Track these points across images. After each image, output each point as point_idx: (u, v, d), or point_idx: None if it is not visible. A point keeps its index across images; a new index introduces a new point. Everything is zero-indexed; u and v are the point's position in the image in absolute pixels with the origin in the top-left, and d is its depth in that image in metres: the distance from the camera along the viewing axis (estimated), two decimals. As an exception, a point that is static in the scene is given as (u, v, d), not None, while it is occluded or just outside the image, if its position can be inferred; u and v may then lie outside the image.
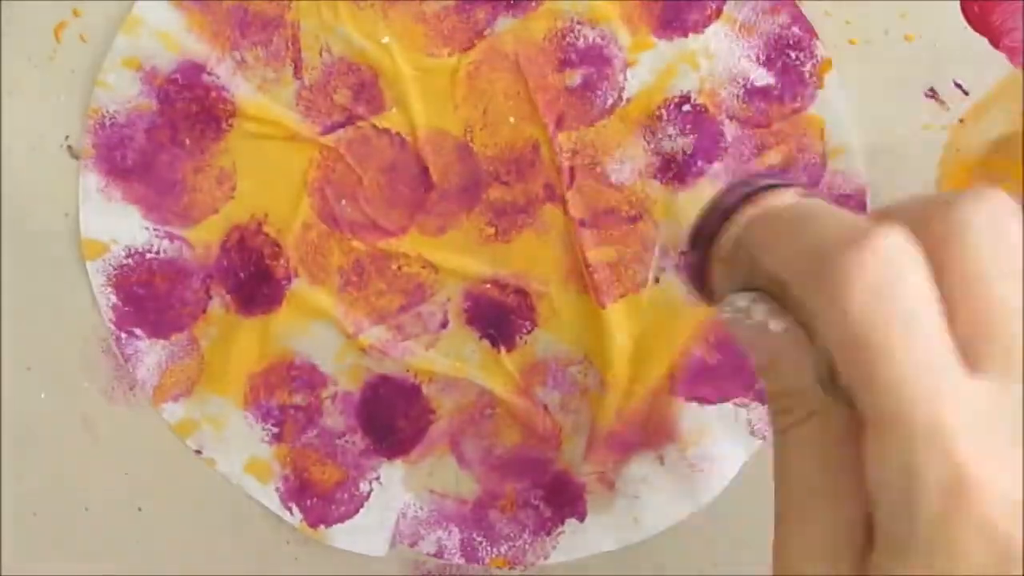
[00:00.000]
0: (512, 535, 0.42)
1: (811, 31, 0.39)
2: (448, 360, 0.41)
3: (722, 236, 0.28)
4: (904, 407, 0.19)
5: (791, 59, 0.39)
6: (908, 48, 0.39)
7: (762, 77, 0.39)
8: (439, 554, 0.42)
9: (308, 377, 0.41)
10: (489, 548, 0.42)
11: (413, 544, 0.42)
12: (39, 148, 0.40)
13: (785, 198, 0.28)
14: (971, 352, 0.20)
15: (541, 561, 0.42)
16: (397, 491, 0.42)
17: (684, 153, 0.39)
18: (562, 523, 0.41)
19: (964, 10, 0.39)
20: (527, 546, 0.42)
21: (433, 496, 0.42)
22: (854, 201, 0.39)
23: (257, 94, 0.39)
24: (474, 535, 0.42)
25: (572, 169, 0.39)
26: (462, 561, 0.42)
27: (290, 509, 0.42)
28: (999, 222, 0.21)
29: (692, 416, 0.41)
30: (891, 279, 0.20)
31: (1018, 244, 0.21)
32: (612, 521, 0.41)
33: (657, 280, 0.40)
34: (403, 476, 0.42)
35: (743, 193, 0.29)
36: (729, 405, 0.41)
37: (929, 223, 0.21)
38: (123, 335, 0.41)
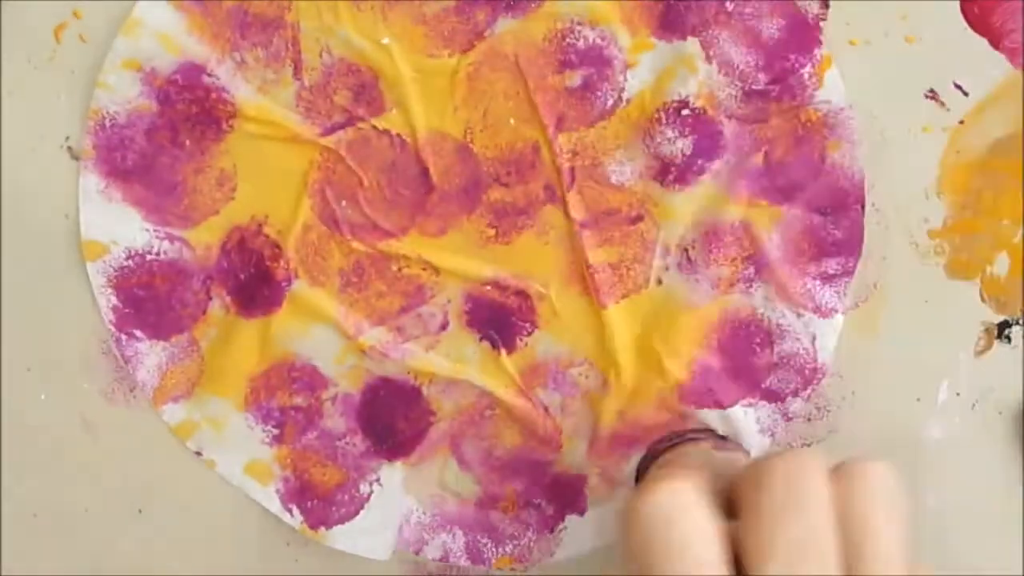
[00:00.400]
0: (516, 534, 0.42)
1: (812, 33, 0.39)
2: (448, 362, 0.41)
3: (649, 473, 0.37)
4: None
5: (790, 62, 0.39)
6: (908, 49, 0.39)
7: (761, 80, 0.39)
8: (444, 558, 0.42)
9: (308, 379, 0.41)
10: (494, 549, 0.42)
11: (418, 551, 0.42)
12: (39, 148, 0.40)
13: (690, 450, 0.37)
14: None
15: (547, 559, 0.42)
16: (398, 493, 0.42)
17: (684, 155, 0.39)
18: (563, 519, 0.41)
19: (964, 11, 0.39)
20: (532, 544, 0.42)
21: (435, 499, 0.42)
22: (852, 196, 0.39)
23: (257, 95, 0.39)
24: (478, 537, 0.42)
25: (572, 170, 0.39)
26: (468, 564, 0.42)
27: (290, 511, 0.42)
28: (799, 474, 0.24)
29: (699, 416, 0.41)
30: (666, 519, 0.23)
31: (806, 499, 0.23)
32: (614, 513, 0.41)
33: (659, 281, 0.40)
34: (404, 478, 0.42)
35: (670, 442, 0.39)
36: (737, 405, 0.41)
37: (752, 470, 0.25)
38: (123, 336, 0.41)
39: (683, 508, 0.23)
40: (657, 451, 0.39)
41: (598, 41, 0.39)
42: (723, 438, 0.40)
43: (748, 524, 0.23)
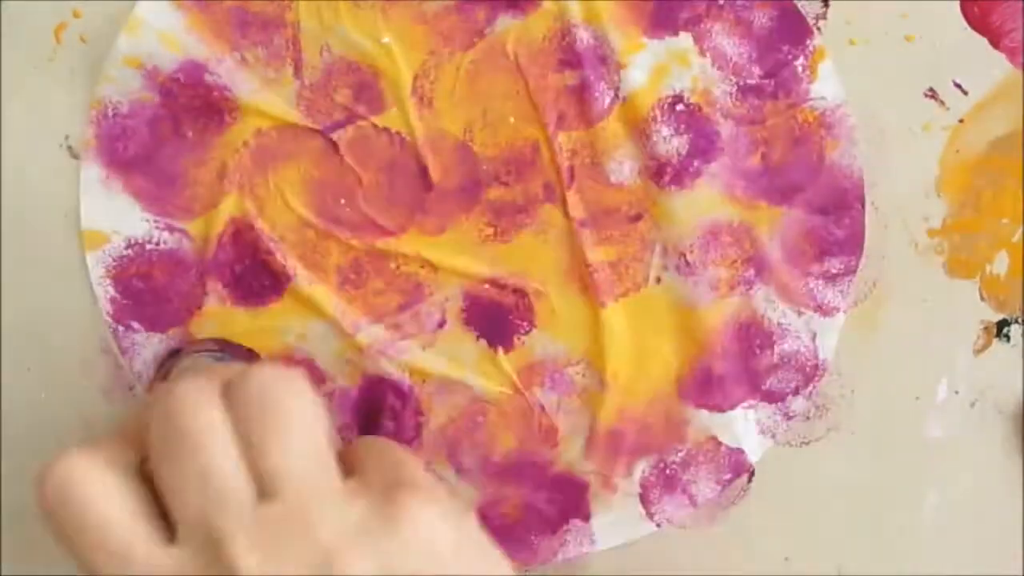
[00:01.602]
0: (519, 538, 0.41)
1: (803, 23, 0.39)
2: (445, 360, 0.41)
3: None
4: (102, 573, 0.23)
5: (783, 53, 0.39)
6: (908, 48, 0.39)
7: (755, 73, 0.39)
8: None
9: (306, 373, 0.41)
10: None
11: None
12: (39, 148, 0.40)
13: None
14: (174, 525, 0.23)
15: (551, 560, 0.42)
16: None
17: (679, 154, 0.39)
18: (567, 523, 0.41)
19: (964, 10, 0.39)
20: (535, 547, 0.42)
21: None
22: (852, 195, 0.39)
23: (258, 93, 0.39)
24: None
25: (572, 169, 0.39)
26: None
27: None
28: (172, 409, 0.23)
29: (700, 418, 0.41)
30: (66, 490, 0.23)
31: (185, 431, 0.23)
32: (616, 518, 0.41)
33: (658, 280, 0.40)
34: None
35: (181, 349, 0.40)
36: (738, 407, 0.41)
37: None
38: (121, 328, 0.41)
39: (78, 482, 0.23)
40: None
41: (592, 41, 0.39)
42: (229, 349, 0.40)
43: (154, 467, 0.23)
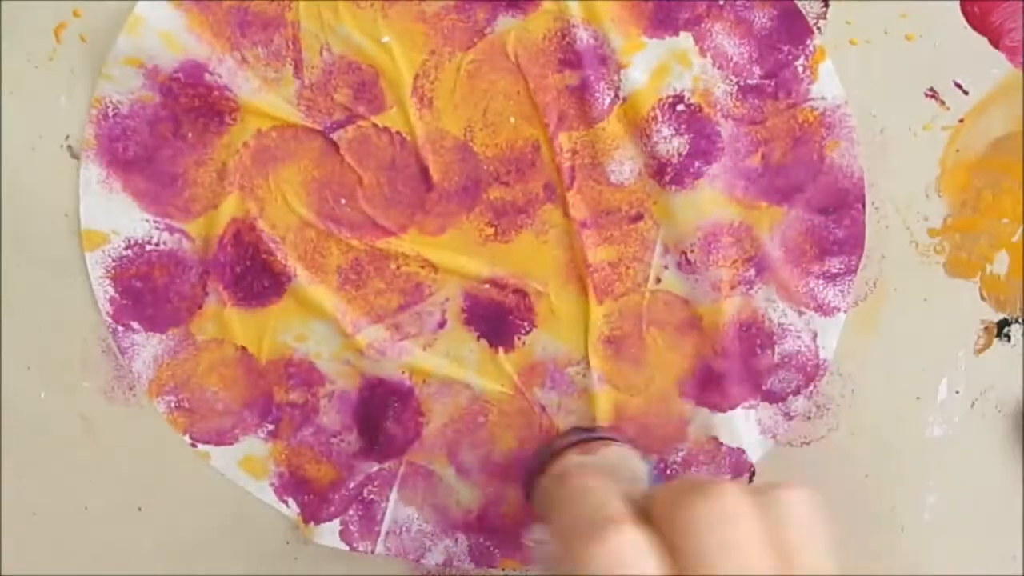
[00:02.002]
0: (520, 539, 0.42)
1: (804, 23, 0.39)
2: (446, 360, 0.41)
3: (549, 470, 0.36)
4: None
5: (784, 53, 0.39)
6: (908, 48, 0.39)
7: (755, 73, 0.39)
8: (448, 563, 0.42)
9: (306, 375, 0.41)
10: (498, 552, 0.42)
11: (419, 558, 0.42)
12: (39, 148, 0.40)
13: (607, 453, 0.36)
14: None
15: None
16: (392, 497, 0.42)
17: (680, 155, 0.39)
18: None
19: (964, 10, 0.39)
20: None
21: (437, 507, 0.42)
22: (852, 195, 0.39)
23: (258, 93, 0.39)
24: (482, 540, 0.42)
25: (572, 169, 0.39)
26: (472, 567, 0.42)
27: (286, 502, 0.42)
28: (726, 520, 0.25)
29: (701, 417, 0.41)
30: (621, 566, 0.24)
31: (738, 543, 0.24)
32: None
33: (659, 280, 0.40)
34: (399, 484, 0.42)
35: (575, 439, 0.38)
36: (739, 408, 0.41)
37: (677, 510, 0.25)
38: (120, 328, 0.41)
39: (634, 562, 0.24)
40: (557, 448, 0.38)
41: (592, 41, 0.39)
42: (588, 430, 0.40)
43: (683, 555, 0.24)
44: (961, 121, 0.40)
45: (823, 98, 0.39)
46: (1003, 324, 0.40)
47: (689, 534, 0.24)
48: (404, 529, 0.42)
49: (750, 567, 0.24)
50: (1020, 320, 0.40)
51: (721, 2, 0.38)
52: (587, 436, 0.38)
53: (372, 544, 0.42)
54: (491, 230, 0.40)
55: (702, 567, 0.24)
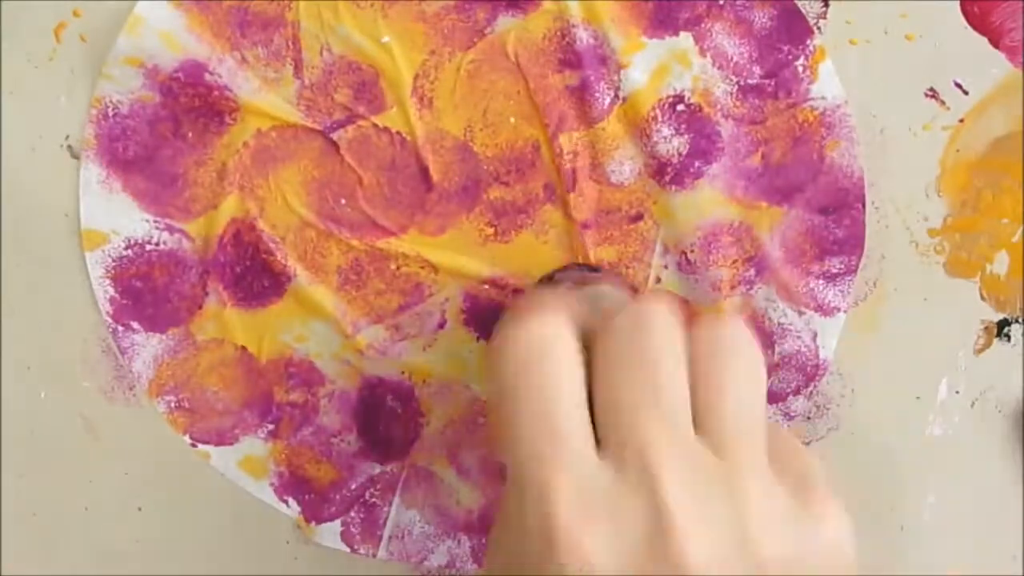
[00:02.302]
0: None
1: (804, 23, 0.39)
2: (446, 361, 0.41)
3: None
4: (524, 465, 0.22)
5: (784, 53, 0.39)
6: (908, 48, 0.39)
7: (755, 73, 0.39)
8: (451, 565, 0.42)
9: (306, 375, 0.41)
10: None
11: (421, 561, 0.42)
12: (39, 148, 0.40)
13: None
14: (601, 434, 0.23)
15: None
16: (395, 502, 0.42)
17: (680, 154, 0.39)
18: None
19: (964, 10, 0.39)
20: None
21: (438, 509, 0.42)
22: (852, 195, 0.39)
23: (258, 93, 0.39)
24: (483, 540, 0.42)
25: (573, 170, 0.39)
26: (475, 568, 0.42)
27: (286, 502, 0.42)
28: (641, 322, 0.24)
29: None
30: (537, 355, 0.23)
31: (650, 345, 0.23)
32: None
33: (659, 279, 0.40)
34: (402, 488, 0.42)
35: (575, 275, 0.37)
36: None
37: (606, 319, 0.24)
38: (120, 328, 0.41)
39: (555, 338, 0.23)
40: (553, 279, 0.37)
41: (591, 41, 0.39)
42: (593, 270, 0.39)
43: (598, 372, 0.23)
44: (961, 121, 0.40)
45: (823, 98, 0.39)
46: (1003, 324, 0.40)
47: (607, 334, 0.23)
48: (407, 532, 0.42)
49: (659, 383, 0.23)
50: (1020, 320, 0.40)
51: (721, 2, 0.38)
52: (586, 274, 0.37)
53: (375, 548, 0.42)
54: (491, 230, 0.40)
55: (612, 370, 0.23)
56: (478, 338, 0.41)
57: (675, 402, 0.23)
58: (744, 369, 0.24)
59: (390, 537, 0.42)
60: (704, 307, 0.40)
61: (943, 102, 0.39)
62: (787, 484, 0.24)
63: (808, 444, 0.41)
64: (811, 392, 0.41)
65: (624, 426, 0.22)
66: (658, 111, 0.39)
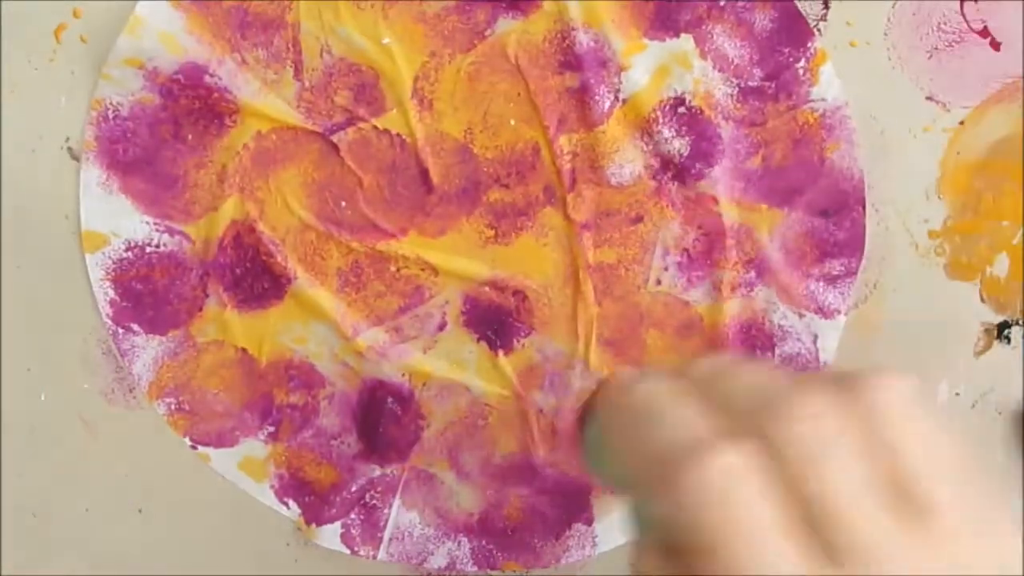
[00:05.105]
0: (522, 541, 0.42)
1: (804, 26, 0.39)
2: (445, 363, 0.41)
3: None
4: None
5: (784, 56, 0.39)
6: (909, 50, 0.39)
7: (756, 75, 0.39)
8: (451, 566, 0.42)
9: (306, 377, 0.41)
10: (501, 555, 0.42)
11: (422, 562, 0.42)
12: (39, 149, 0.40)
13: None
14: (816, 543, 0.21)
15: (554, 564, 0.42)
16: (395, 504, 0.42)
17: (681, 155, 0.39)
18: (569, 527, 0.41)
19: (964, 10, 0.39)
20: (539, 551, 0.42)
21: (439, 511, 0.42)
22: (852, 197, 0.39)
23: (258, 95, 0.39)
24: (483, 542, 0.42)
25: (573, 171, 0.39)
26: (475, 569, 0.42)
27: (286, 504, 0.42)
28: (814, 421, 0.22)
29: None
30: (727, 492, 0.21)
31: (829, 442, 0.22)
32: (618, 519, 0.41)
33: (658, 281, 0.40)
34: (400, 488, 0.42)
35: None
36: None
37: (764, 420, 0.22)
38: (120, 330, 0.41)
39: (738, 485, 0.21)
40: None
41: (592, 44, 0.38)
42: None
43: (785, 466, 0.21)
44: (961, 123, 0.39)
45: (823, 100, 0.39)
46: (1003, 326, 0.40)
47: (790, 433, 0.22)
48: (407, 534, 0.42)
49: (856, 465, 0.21)
50: (1020, 322, 0.40)
51: (722, 4, 0.38)
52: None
53: (375, 550, 0.42)
54: (491, 232, 0.40)
55: (810, 471, 0.21)
56: (478, 340, 0.41)
57: (865, 498, 0.21)
58: (920, 423, 0.23)
59: (390, 539, 0.42)
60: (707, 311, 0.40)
61: (943, 104, 0.39)
62: None
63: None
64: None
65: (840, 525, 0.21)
66: (659, 113, 0.39)
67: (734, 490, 0.21)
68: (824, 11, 0.39)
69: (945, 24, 0.39)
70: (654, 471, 0.22)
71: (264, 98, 0.39)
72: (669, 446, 0.23)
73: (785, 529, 0.21)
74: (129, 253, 0.40)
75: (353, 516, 0.42)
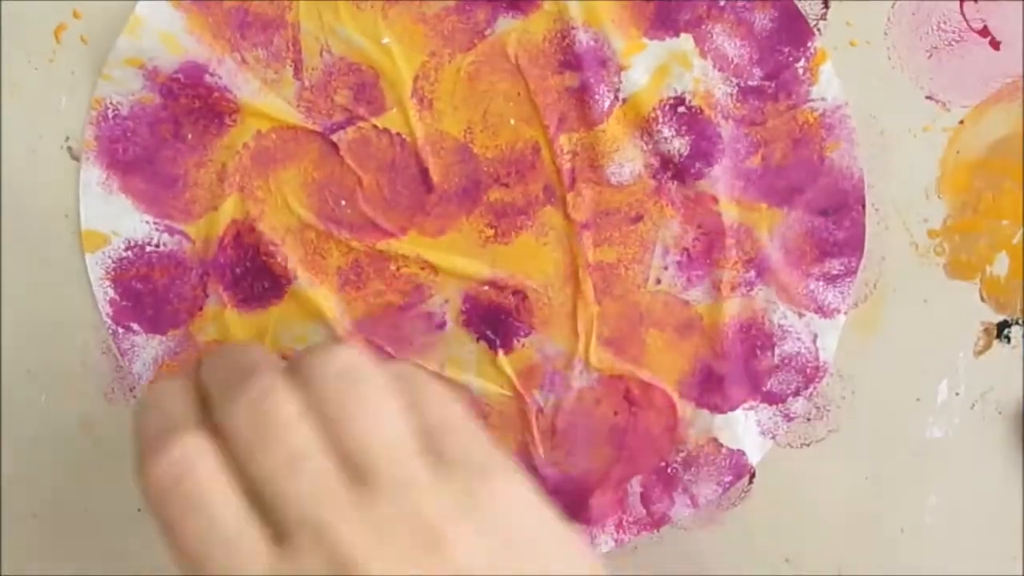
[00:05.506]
0: None
1: (804, 25, 0.39)
2: (445, 363, 0.41)
3: None
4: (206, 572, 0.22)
5: (784, 55, 0.39)
6: (908, 49, 0.39)
7: (756, 75, 0.39)
8: None
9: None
10: None
11: None
12: (39, 149, 0.40)
13: None
14: (272, 522, 0.23)
15: None
16: None
17: (681, 155, 0.39)
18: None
19: (964, 10, 0.39)
20: None
21: None
22: (852, 196, 0.39)
23: (258, 95, 0.39)
24: None
25: (573, 171, 0.39)
26: None
27: None
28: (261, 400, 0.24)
29: (700, 419, 0.41)
30: (179, 476, 0.23)
31: (275, 419, 0.23)
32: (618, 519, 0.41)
33: (658, 281, 0.40)
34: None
35: None
36: (739, 408, 0.41)
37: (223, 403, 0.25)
38: (120, 330, 0.41)
39: (193, 466, 0.23)
40: None
41: (592, 43, 0.38)
42: None
43: (234, 451, 0.23)
44: (961, 123, 0.40)
45: (823, 99, 0.39)
46: (1003, 326, 0.40)
47: (230, 416, 0.24)
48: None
49: (294, 443, 0.23)
50: (1020, 322, 0.40)
51: (722, 3, 0.38)
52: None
53: None
54: (491, 232, 0.40)
55: (251, 455, 0.23)
56: (477, 339, 0.41)
57: (318, 464, 0.23)
58: (364, 394, 0.24)
59: None
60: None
61: (943, 104, 0.39)
62: (462, 479, 0.24)
63: (808, 446, 0.41)
64: (811, 394, 0.41)
65: (287, 508, 0.23)
66: (659, 112, 0.39)
67: (187, 473, 0.23)
68: (824, 11, 0.39)
69: (945, 24, 0.39)
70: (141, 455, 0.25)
71: (264, 97, 0.39)
72: (153, 432, 0.25)
73: (236, 505, 0.23)
74: (129, 252, 0.40)
75: None
